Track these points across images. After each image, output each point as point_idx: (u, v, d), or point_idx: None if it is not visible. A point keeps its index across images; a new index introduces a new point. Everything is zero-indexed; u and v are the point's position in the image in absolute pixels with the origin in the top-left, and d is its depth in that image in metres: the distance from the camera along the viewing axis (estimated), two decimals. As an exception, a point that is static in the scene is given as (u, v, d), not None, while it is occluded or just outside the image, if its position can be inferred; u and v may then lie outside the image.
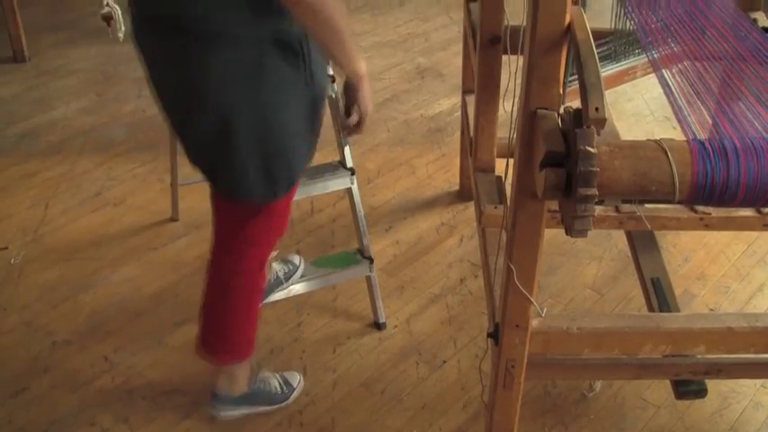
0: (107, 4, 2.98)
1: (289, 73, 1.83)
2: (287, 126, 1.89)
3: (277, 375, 2.46)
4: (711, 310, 2.72)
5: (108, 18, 3.02)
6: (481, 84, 2.48)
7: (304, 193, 2.53)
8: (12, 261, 2.97)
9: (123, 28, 3.05)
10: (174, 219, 3.15)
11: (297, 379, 2.48)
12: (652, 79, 1.71)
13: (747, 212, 2.18)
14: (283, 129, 1.88)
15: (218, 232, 2.16)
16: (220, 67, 1.76)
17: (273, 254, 2.37)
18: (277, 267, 2.51)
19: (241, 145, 1.86)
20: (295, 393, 2.45)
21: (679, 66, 1.65)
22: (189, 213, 3.14)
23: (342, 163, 2.58)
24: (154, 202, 3.25)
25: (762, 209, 2.17)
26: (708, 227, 2.21)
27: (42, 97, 4.00)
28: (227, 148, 1.87)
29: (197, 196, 3.05)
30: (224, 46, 1.74)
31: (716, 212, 2.18)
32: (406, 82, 4.11)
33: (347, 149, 2.55)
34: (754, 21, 2.39)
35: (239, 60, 1.77)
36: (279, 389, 2.43)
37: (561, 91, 1.46)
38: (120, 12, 3.02)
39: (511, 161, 1.61)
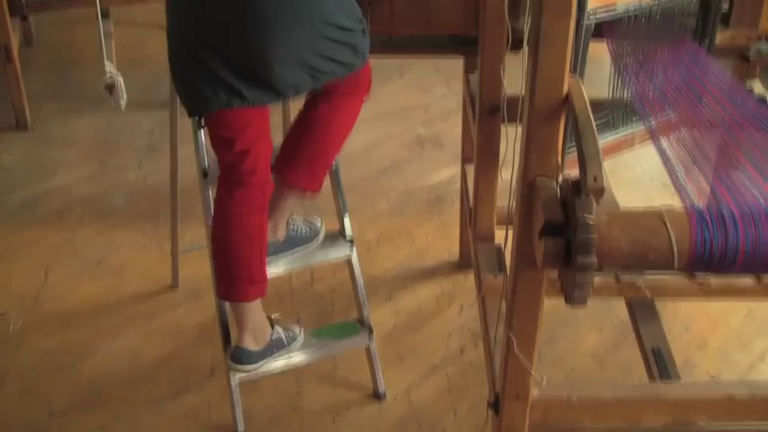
0: (110, 74, 3.01)
1: None
2: None
3: (279, 329, 2.52)
4: (712, 377, 2.71)
5: (110, 87, 3.05)
6: (480, 153, 2.50)
7: (304, 263, 2.54)
8: (10, 328, 2.96)
9: (125, 97, 3.08)
10: (173, 287, 3.15)
11: (319, 221, 2.62)
12: (651, 147, 1.73)
13: (747, 280, 2.18)
14: None
15: None
16: None
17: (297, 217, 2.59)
18: (279, 329, 2.52)
19: None
20: (321, 234, 2.61)
21: (676, 134, 1.67)
22: (189, 281, 3.14)
23: (341, 232, 2.59)
24: (154, 271, 3.25)
25: (761, 276, 2.17)
26: (708, 295, 2.21)
27: (44, 165, 4.02)
28: None
29: (197, 264, 3.05)
30: None
31: (716, 280, 2.18)
32: (406, 152, 4.13)
33: (347, 218, 2.57)
34: (750, 89, 2.42)
35: None
36: (307, 232, 2.59)
37: (560, 160, 1.47)
38: (122, 81, 3.05)
39: (510, 230, 1.62)
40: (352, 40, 2.26)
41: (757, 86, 2.52)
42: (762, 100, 2.32)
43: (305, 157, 2.47)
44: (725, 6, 2.46)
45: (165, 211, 3.23)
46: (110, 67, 2.99)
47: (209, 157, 2.48)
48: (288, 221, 2.53)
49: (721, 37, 2.46)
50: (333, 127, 2.47)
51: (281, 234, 2.51)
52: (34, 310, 3.05)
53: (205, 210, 2.48)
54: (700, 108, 1.79)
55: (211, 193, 2.46)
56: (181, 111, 2.44)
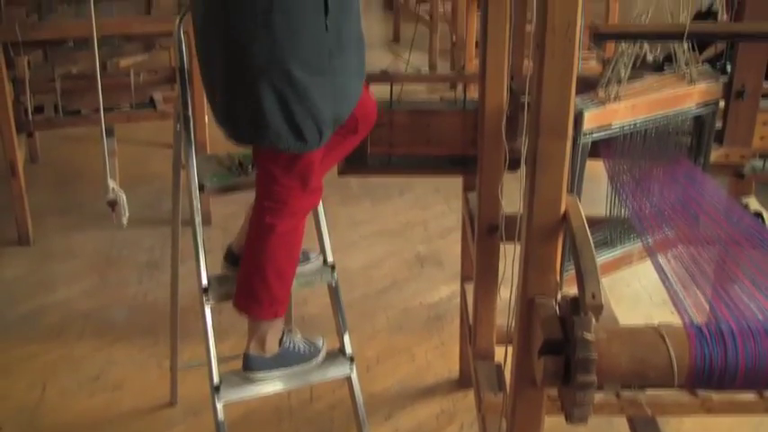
0: (113, 190, 3.05)
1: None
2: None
3: (303, 338, 2.58)
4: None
5: (113, 204, 3.09)
6: (479, 272, 2.51)
7: (303, 381, 2.52)
8: (7, 444, 2.93)
9: (127, 213, 3.11)
10: (172, 404, 3.12)
11: (320, 341, 2.59)
12: (649, 263, 1.74)
13: (750, 395, 2.17)
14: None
15: (258, 181, 2.44)
16: None
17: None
18: (298, 341, 2.55)
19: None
20: (322, 353, 2.57)
21: (674, 251, 1.68)
22: (187, 399, 3.11)
23: (341, 350, 2.58)
24: (152, 387, 3.22)
25: (763, 392, 2.15)
26: (710, 411, 2.19)
27: (45, 280, 4.03)
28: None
29: (196, 382, 3.03)
30: None
31: (718, 396, 2.16)
32: (405, 270, 4.15)
33: (346, 336, 2.56)
34: (746, 205, 2.45)
35: None
36: (306, 349, 2.55)
37: (558, 278, 1.49)
38: (125, 198, 3.08)
39: (510, 348, 1.62)
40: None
41: (753, 203, 2.54)
42: (758, 216, 2.35)
43: (240, 274, 2.51)
44: (718, 125, 2.51)
45: (165, 327, 3.22)
46: (113, 185, 3.03)
47: (209, 273, 2.50)
48: (281, 338, 2.53)
49: (716, 155, 2.50)
50: (251, 238, 2.49)
51: (271, 349, 2.51)
52: (31, 424, 3.02)
53: (205, 328, 2.48)
54: (696, 226, 1.82)
55: (210, 312, 2.47)
56: (183, 227, 2.46)
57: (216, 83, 2.31)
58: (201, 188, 2.58)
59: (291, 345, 2.54)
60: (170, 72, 4.57)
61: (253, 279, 2.44)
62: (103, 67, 4.70)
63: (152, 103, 4.49)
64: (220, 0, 2.19)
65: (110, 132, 4.17)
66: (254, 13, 2.13)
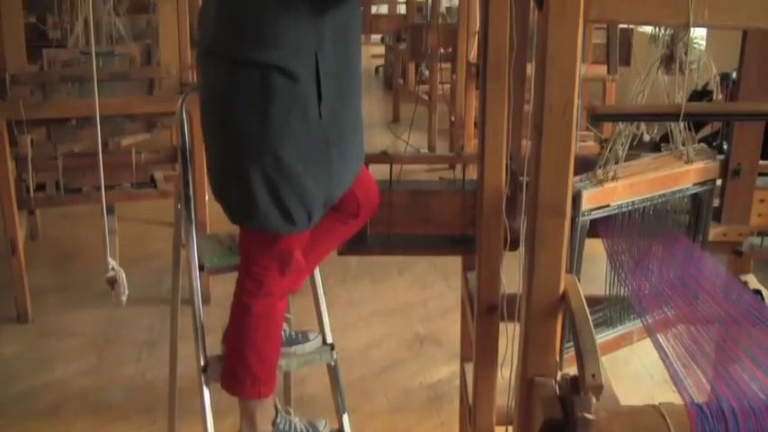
0: (112, 268, 3.05)
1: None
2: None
3: (303, 420, 2.52)
4: None
5: (112, 282, 3.08)
6: (479, 351, 2.50)
7: (302, 461, 2.50)
8: None
9: (126, 292, 3.11)
10: (169, 486, 3.08)
11: (323, 424, 2.53)
12: (650, 341, 1.74)
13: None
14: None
15: (240, 261, 2.46)
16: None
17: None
18: (296, 421, 2.51)
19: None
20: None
21: (674, 330, 1.68)
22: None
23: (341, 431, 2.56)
24: (148, 469, 3.19)
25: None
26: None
27: (43, 358, 4.01)
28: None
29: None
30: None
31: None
32: (404, 350, 4.13)
33: (345, 417, 2.54)
34: (745, 283, 2.44)
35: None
36: (305, 430, 2.49)
37: (558, 357, 1.48)
38: (124, 276, 3.09)
39: (510, 429, 1.61)
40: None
41: (752, 281, 2.55)
42: (757, 294, 2.35)
43: (225, 354, 2.52)
44: (716, 203, 2.52)
45: (163, 406, 3.19)
46: (112, 263, 3.04)
47: (207, 353, 2.49)
48: (275, 418, 2.51)
49: (714, 233, 2.51)
50: (231, 318, 2.49)
51: (263, 429, 2.48)
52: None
53: (203, 408, 2.46)
54: (696, 304, 1.81)
55: (208, 392, 2.46)
56: (182, 306, 2.46)
57: (212, 160, 2.35)
58: (201, 268, 2.59)
59: (287, 425, 2.51)
60: (171, 151, 4.60)
61: (233, 359, 2.44)
62: (105, 145, 4.73)
63: (153, 181, 4.52)
64: (219, 82, 2.23)
65: (110, 210, 4.18)
66: (248, 99, 2.17)
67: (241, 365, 2.41)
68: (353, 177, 2.41)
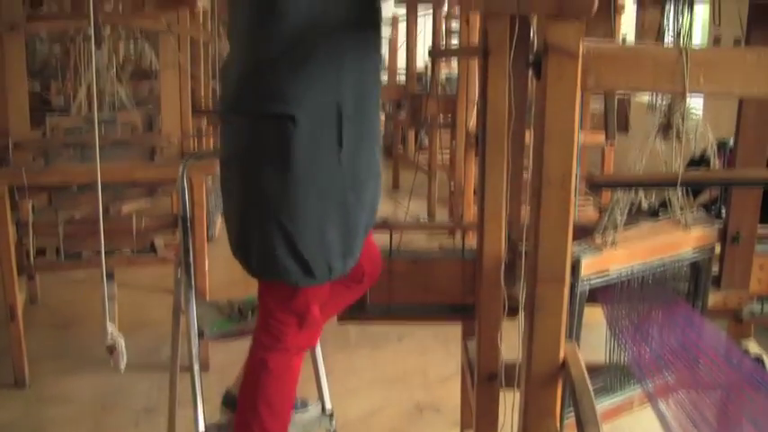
0: (111, 335, 3.04)
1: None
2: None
3: None
4: None
5: (111, 349, 3.07)
6: (479, 419, 2.49)
7: None
8: None
9: (125, 358, 3.09)
10: None
11: None
12: (651, 411, 1.73)
13: None
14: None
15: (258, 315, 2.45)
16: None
17: None
18: None
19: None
20: None
21: (675, 396, 1.67)
22: None
23: None
24: None
25: None
26: None
27: (39, 424, 3.97)
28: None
29: None
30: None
31: None
32: (404, 418, 4.09)
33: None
34: (746, 349, 2.44)
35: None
36: None
37: (558, 425, 1.47)
38: (123, 343, 3.07)
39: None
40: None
41: (753, 346, 2.54)
42: (758, 360, 2.34)
43: (237, 409, 2.50)
44: (715, 269, 2.53)
45: (159, 475, 3.16)
46: (111, 329, 3.03)
47: (206, 421, 2.47)
48: None
49: (714, 299, 2.51)
50: (246, 373, 2.48)
51: None
52: None
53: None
54: (697, 370, 1.81)
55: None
56: (181, 373, 2.45)
57: (232, 214, 2.37)
58: (201, 335, 2.58)
59: None
60: (172, 218, 4.62)
61: (247, 413, 2.41)
62: (106, 211, 4.75)
63: (153, 248, 4.52)
64: (241, 137, 2.26)
65: (110, 276, 4.18)
66: (269, 150, 2.19)
67: (255, 420, 2.39)
68: (369, 228, 2.43)
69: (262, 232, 2.25)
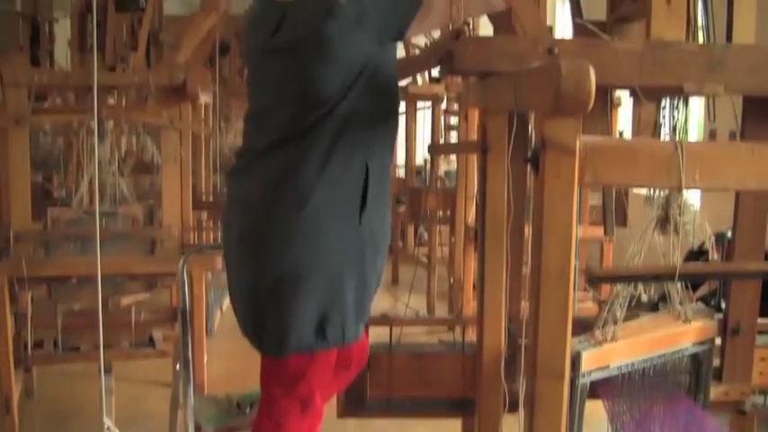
0: (108, 429, 3.01)
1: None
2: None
3: None
4: None
5: (109, 443, 3.04)
6: None
7: None
8: None
9: (124, 451, 3.06)
10: None
11: None
12: None
13: None
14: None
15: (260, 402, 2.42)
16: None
17: None
18: None
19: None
20: None
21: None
22: None
23: None
24: None
25: None
26: None
27: None
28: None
29: None
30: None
31: None
32: None
33: None
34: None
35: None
36: None
37: None
38: (121, 438, 3.04)
39: None
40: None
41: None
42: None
43: None
44: (716, 362, 2.51)
45: None
46: (108, 423, 3.00)
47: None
48: None
49: (715, 392, 2.49)
50: None
51: None
52: None
53: None
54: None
55: None
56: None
57: (246, 287, 2.36)
58: (198, 429, 2.56)
59: None
60: (171, 312, 4.60)
61: None
62: (105, 304, 4.74)
63: (151, 341, 4.50)
64: (258, 200, 2.30)
65: (108, 370, 4.15)
66: (289, 210, 2.23)
67: None
68: (373, 294, 2.44)
69: (276, 296, 2.26)
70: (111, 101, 5.02)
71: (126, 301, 4.74)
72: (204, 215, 6.31)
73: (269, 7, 2.35)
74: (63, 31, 7.68)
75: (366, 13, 2.20)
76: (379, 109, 2.34)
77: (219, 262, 4.07)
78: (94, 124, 3.24)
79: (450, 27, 2.21)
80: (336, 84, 2.22)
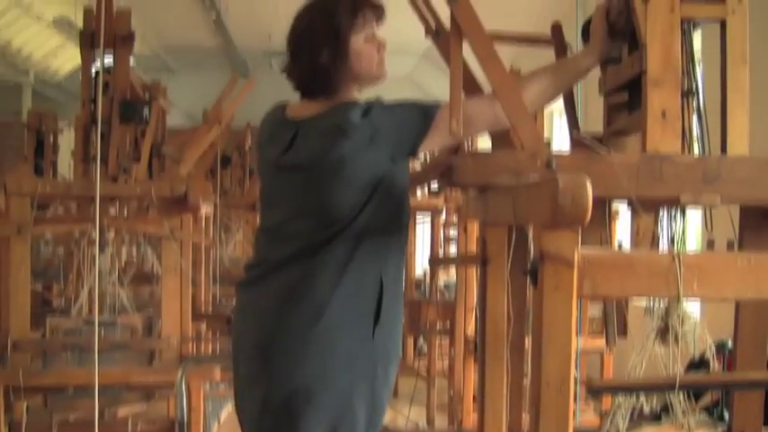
0: None
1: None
2: None
3: None
4: None
5: None
6: None
7: None
8: None
9: None
10: None
11: None
12: None
13: None
14: None
15: None
16: None
17: None
18: None
19: None
20: None
21: None
22: None
23: None
24: None
25: None
26: None
27: None
28: None
29: None
30: None
31: None
32: None
33: None
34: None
35: None
36: None
37: None
38: None
39: None
40: None
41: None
42: None
43: None
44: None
45: None
46: None
47: None
48: None
49: None
50: None
51: None
52: None
53: None
54: None
55: None
56: None
57: (254, 406, 2.34)
58: None
59: None
60: (168, 423, 4.54)
61: None
62: (101, 415, 4.69)
63: (147, 451, 4.44)
64: (268, 315, 2.30)
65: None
66: (301, 326, 2.25)
67: None
68: (388, 399, 2.42)
69: (287, 409, 2.24)
70: (113, 211, 5.06)
71: (123, 411, 4.68)
72: (203, 326, 6.29)
73: (282, 123, 2.40)
74: (67, 141, 7.79)
75: (379, 132, 2.23)
76: (392, 223, 2.37)
77: (218, 373, 4.05)
78: (96, 234, 3.26)
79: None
80: (352, 202, 2.26)
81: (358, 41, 2.34)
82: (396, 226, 2.39)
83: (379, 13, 2.40)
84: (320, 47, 2.31)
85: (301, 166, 2.31)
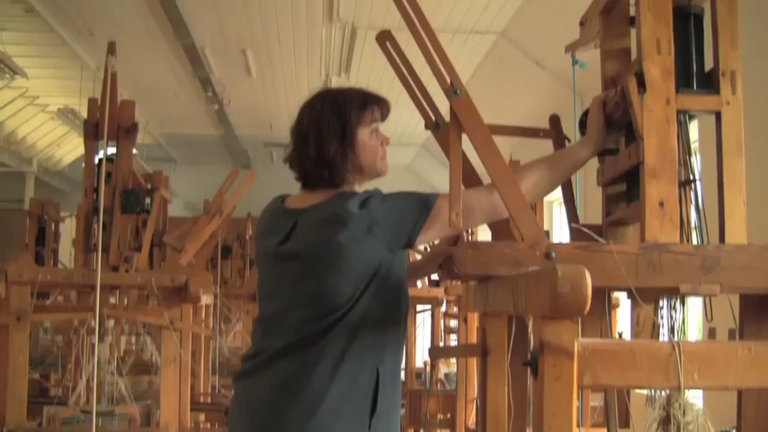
0: None
1: None
2: None
3: None
4: None
5: None
6: None
7: None
8: None
9: None
10: None
11: None
12: None
13: None
14: None
15: None
16: None
17: None
18: None
19: None
20: None
21: None
22: None
23: None
24: None
25: None
26: None
27: None
28: None
29: None
30: None
31: None
32: None
33: None
34: None
35: None
36: None
37: None
38: None
39: None
40: None
41: None
42: None
43: None
44: None
45: None
46: None
47: None
48: None
49: None
50: None
51: None
52: None
53: None
54: None
55: None
56: None
57: None
58: None
59: None
60: None
61: None
62: None
63: None
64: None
65: None
66: (299, 415, 2.22)
67: None
68: None
69: None
70: (113, 299, 5.06)
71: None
72: (202, 417, 6.23)
73: (282, 214, 2.41)
74: (68, 230, 7.82)
75: (377, 222, 2.25)
76: (390, 314, 2.36)
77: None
78: (96, 324, 3.25)
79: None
80: (349, 291, 2.26)
81: (364, 135, 2.38)
82: (393, 317, 2.38)
83: (384, 109, 2.44)
84: (328, 138, 2.34)
85: (298, 255, 2.32)
